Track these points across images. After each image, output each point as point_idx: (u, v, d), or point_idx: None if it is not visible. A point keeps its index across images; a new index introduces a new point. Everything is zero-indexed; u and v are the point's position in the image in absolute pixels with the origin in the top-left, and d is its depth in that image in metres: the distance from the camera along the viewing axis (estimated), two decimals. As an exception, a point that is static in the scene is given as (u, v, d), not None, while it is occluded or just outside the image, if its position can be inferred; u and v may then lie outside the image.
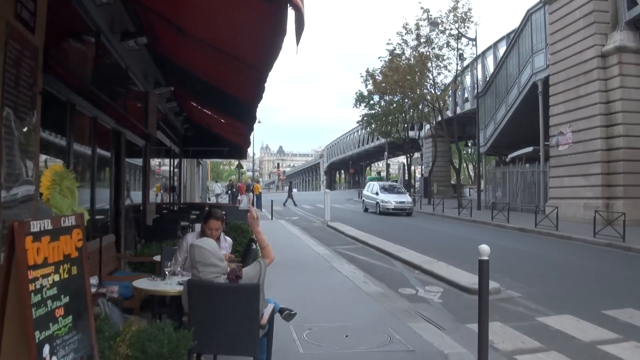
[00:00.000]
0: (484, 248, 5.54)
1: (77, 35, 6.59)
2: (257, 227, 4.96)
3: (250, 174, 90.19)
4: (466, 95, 44.05)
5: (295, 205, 40.33)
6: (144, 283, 5.02)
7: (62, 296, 3.00)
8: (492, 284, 9.99)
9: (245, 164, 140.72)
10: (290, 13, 3.30)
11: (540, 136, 28.40)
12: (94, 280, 4.97)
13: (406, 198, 32.10)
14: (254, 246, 6.29)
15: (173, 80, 11.39)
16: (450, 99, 41.85)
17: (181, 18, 6.75)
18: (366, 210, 33.87)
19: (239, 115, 10.95)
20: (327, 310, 7.87)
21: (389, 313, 7.79)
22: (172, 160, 17.07)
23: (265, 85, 6.70)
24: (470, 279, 10.41)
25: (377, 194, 32.36)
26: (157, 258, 6.43)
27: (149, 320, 4.53)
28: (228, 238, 5.84)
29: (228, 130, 14.28)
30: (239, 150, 17.49)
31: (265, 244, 4.94)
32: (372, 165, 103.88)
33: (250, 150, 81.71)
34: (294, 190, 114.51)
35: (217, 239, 5.60)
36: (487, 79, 38.36)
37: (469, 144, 50.10)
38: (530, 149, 30.46)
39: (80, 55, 6.84)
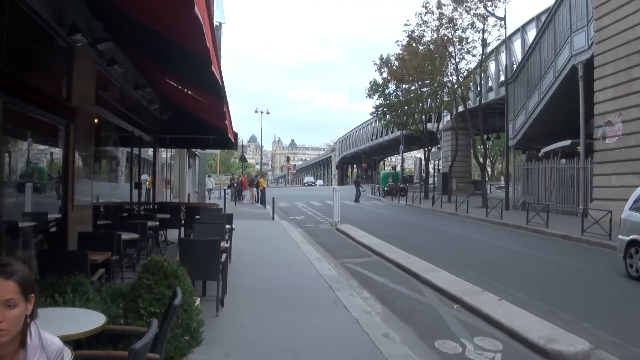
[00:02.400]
0: None
1: None
2: None
3: (259, 167, 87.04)
4: (490, 83, 40.40)
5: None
6: None
7: None
8: (577, 343, 6.53)
9: (254, 157, 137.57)
10: None
11: (581, 127, 24.75)
12: None
13: None
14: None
15: (115, 29, 7.99)
16: (474, 87, 38.09)
17: None
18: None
19: (207, 85, 7.52)
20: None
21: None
22: (136, 150, 13.51)
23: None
24: (542, 330, 6.95)
25: None
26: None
27: None
28: (51, 339, 2.29)
29: (205, 109, 10.88)
30: (226, 138, 13.83)
31: None
32: (386, 159, 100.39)
33: (260, 142, 78.52)
34: (319, 182, 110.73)
35: (21, 343, 2.19)
36: (514, 65, 34.70)
37: (491, 138, 46.20)
38: (568, 142, 26.80)
39: None
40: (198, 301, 6.02)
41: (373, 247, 14.66)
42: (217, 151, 28.73)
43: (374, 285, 10.29)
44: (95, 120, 8.85)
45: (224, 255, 7.48)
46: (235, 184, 37.79)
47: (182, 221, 13.45)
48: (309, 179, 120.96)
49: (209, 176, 38.60)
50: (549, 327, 7.13)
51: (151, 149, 14.98)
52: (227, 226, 10.40)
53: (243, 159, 42.66)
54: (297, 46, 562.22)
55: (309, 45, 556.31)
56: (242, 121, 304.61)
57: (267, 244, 14.95)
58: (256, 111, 62.89)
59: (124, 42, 8.65)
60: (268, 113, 62.81)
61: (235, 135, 14.43)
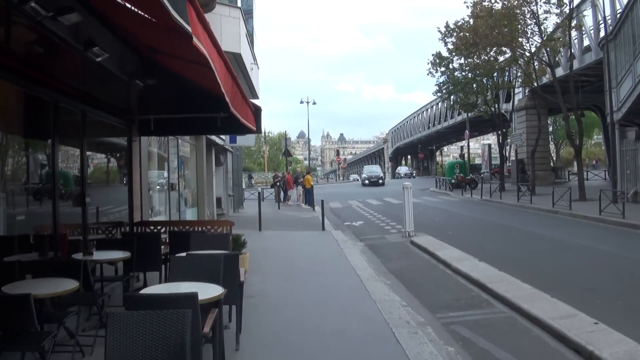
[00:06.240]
0: None
1: None
2: None
3: (307, 163, 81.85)
4: (571, 50, 33.41)
5: None
6: None
7: None
8: None
9: (303, 153, 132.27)
10: None
11: None
12: None
13: None
14: None
15: None
16: (563, 49, 31.33)
17: None
18: None
19: None
20: None
21: None
22: (63, 140, 7.85)
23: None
24: None
25: None
26: None
27: None
28: None
29: (183, 56, 5.50)
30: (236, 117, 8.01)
31: None
32: (443, 148, 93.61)
33: (305, 134, 73.22)
34: (403, 170, 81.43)
35: None
36: (601, 24, 27.95)
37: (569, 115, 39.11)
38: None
39: None
40: None
41: (487, 283, 8.83)
42: (250, 141, 22.32)
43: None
44: None
45: None
46: (279, 183, 32.38)
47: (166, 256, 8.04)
48: (371, 169, 60.37)
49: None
50: None
51: (124, 138, 9.45)
52: (219, 292, 4.70)
53: (287, 153, 37.05)
54: (341, 38, 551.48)
55: (353, 37, 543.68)
56: (289, 117, 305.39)
57: (312, 284, 9.34)
58: (302, 102, 61.96)
59: None
60: (314, 103, 62.28)
61: (257, 110, 8.85)
